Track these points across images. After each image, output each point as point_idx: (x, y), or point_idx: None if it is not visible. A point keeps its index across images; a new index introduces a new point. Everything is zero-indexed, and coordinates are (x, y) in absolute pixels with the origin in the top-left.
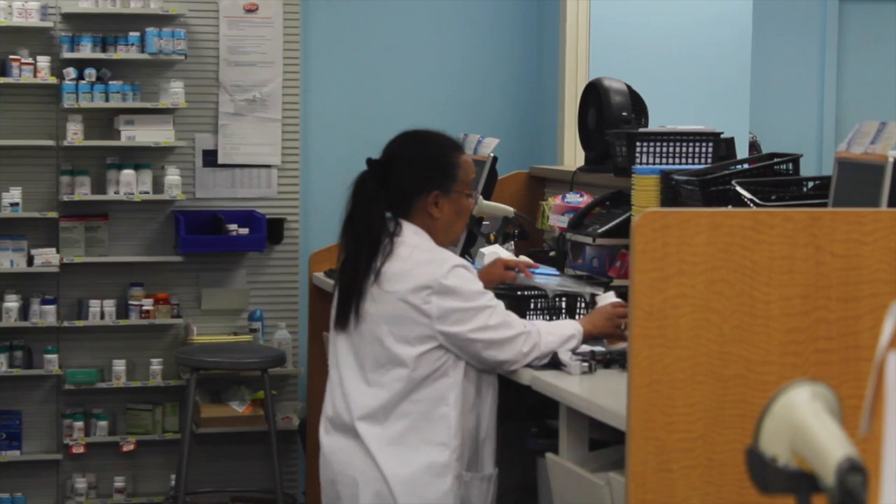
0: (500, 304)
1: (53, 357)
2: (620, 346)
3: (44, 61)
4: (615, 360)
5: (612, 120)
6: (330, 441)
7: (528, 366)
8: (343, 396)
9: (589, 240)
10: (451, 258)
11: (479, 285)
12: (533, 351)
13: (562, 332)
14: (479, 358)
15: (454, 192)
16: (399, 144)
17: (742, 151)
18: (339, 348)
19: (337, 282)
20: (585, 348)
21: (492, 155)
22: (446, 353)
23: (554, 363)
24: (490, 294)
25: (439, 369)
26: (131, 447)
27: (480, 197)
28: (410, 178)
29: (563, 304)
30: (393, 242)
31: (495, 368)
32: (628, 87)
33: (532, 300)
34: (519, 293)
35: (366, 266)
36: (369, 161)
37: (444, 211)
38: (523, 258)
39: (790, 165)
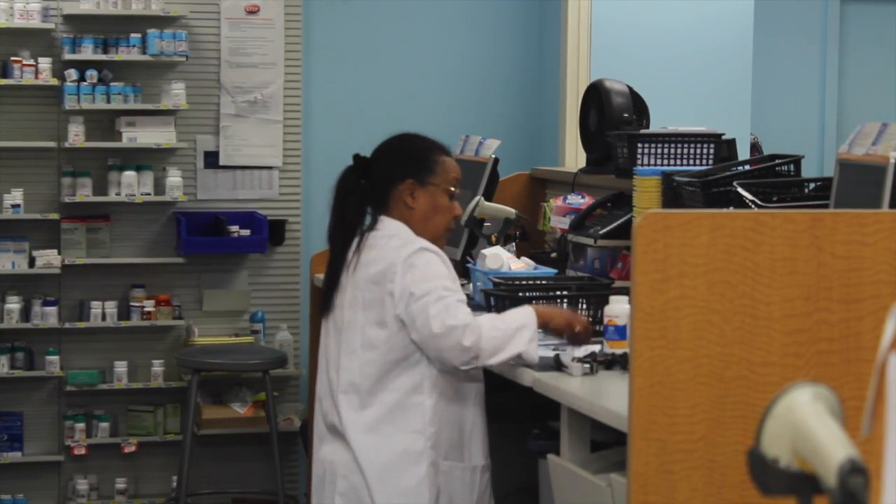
0: (453, 296)
1: (55, 358)
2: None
3: (45, 63)
4: (616, 362)
5: (613, 121)
6: (320, 433)
7: (492, 366)
8: (328, 386)
9: (590, 241)
10: (424, 244)
11: (444, 273)
12: (475, 346)
13: (509, 325)
14: (426, 346)
15: (430, 185)
16: (383, 142)
17: (743, 153)
18: (325, 341)
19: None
20: (586, 350)
21: (493, 156)
22: None
23: (556, 364)
24: (449, 284)
25: (412, 355)
26: (133, 448)
27: (482, 198)
28: (386, 168)
29: (565, 306)
30: (369, 236)
31: (444, 363)
32: (629, 88)
33: (534, 301)
34: (520, 294)
35: (341, 257)
36: (354, 156)
37: (419, 201)
38: (525, 259)
39: (791, 167)
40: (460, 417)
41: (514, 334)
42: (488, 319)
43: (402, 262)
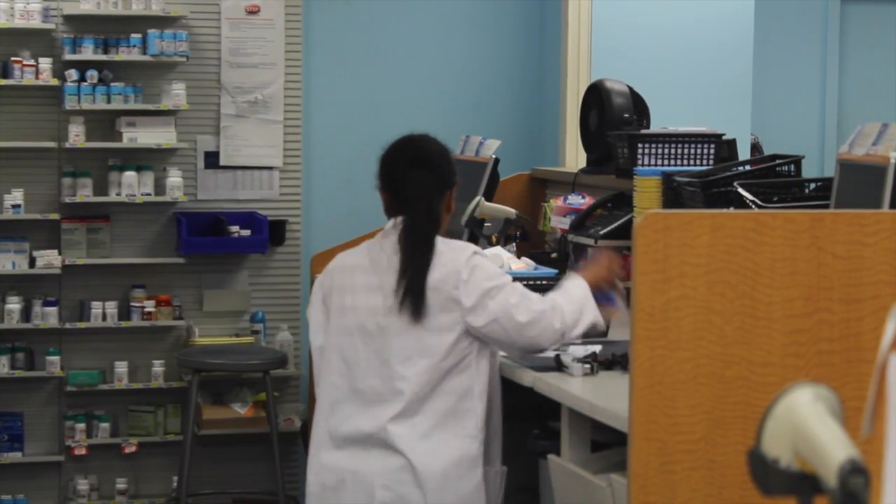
0: (520, 286)
1: (55, 359)
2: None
3: (45, 63)
4: (617, 362)
5: (613, 121)
6: (334, 440)
7: (573, 339)
8: (353, 392)
9: (591, 241)
10: (468, 245)
11: (499, 268)
12: (563, 325)
13: (576, 298)
14: (511, 339)
15: (456, 190)
16: (430, 144)
17: (744, 153)
18: (342, 343)
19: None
20: (587, 350)
21: (493, 157)
22: (471, 342)
23: (556, 365)
24: (510, 277)
25: (464, 360)
26: (133, 449)
27: (482, 199)
28: (445, 174)
29: None
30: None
31: (534, 348)
32: (630, 88)
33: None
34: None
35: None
36: (416, 157)
37: (452, 207)
38: (525, 259)
39: (792, 167)
40: (491, 421)
41: (584, 305)
42: (559, 297)
43: (464, 266)
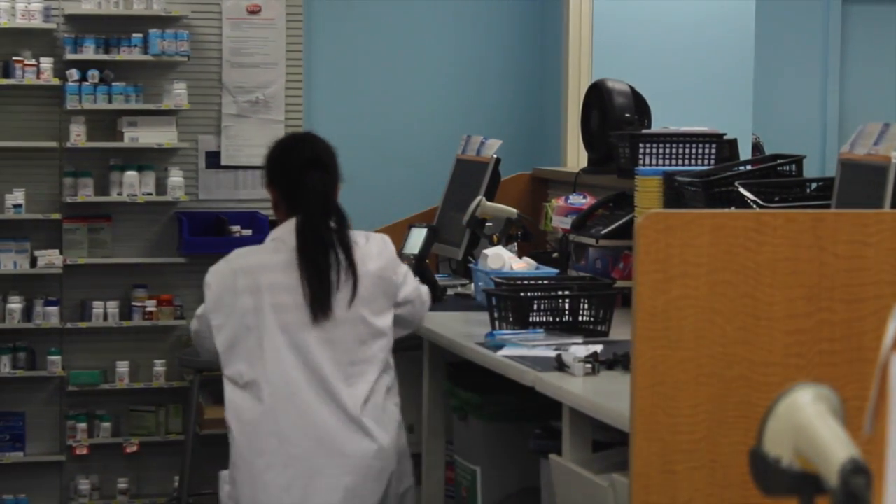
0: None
1: (57, 358)
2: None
3: (47, 63)
4: (618, 362)
5: (615, 121)
6: (296, 434)
7: None
8: (312, 381)
9: (592, 241)
10: (376, 234)
11: None
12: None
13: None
14: (418, 318)
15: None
16: (326, 145)
17: (745, 153)
18: (296, 340)
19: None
20: (589, 349)
21: (495, 156)
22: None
23: (558, 364)
24: None
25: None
26: (135, 448)
27: (483, 198)
28: (337, 173)
29: (567, 305)
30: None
31: (420, 325)
32: (631, 88)
33: (535, 301)
34: (522, 294)
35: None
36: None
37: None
38: (526, 259)
39: (793, 167)
40: None
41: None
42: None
43: (392, 253)
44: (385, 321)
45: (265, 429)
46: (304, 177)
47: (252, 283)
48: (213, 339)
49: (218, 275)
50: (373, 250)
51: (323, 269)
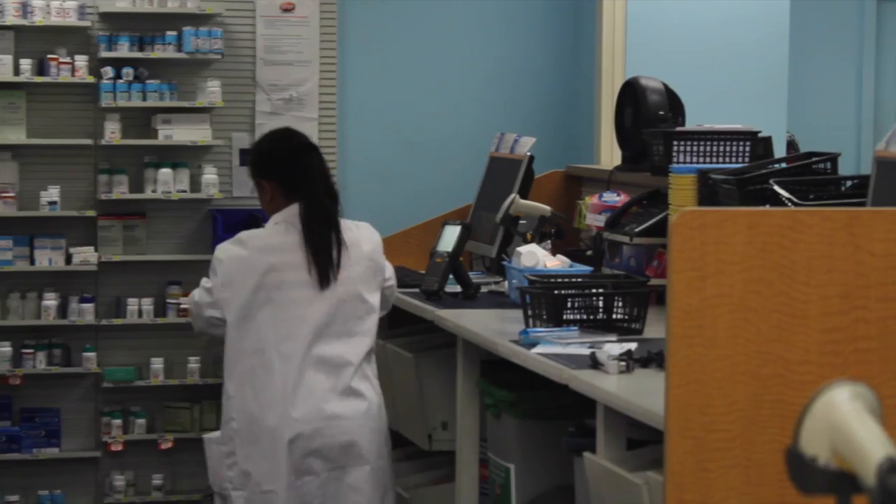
0: None
1: (92, 355)
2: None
3: (81, 60)
4: (652, 360)
5: (648, 119)
6: (301, 394)
7: None
8: (309, 352)
9: (626, 239)
10: (361, 222)
11: None
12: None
13: None
14: (393, 299)
15: None
16: (308, 140)
17: (780, 150)
18: (297, 313)
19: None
20: (623, 347)
21: (528, 154)
22: None
23: (592, 362)
24: None
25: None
26: (169, 445)
27: (517, 196)
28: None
29: (601, 303)
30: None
31: (389, 307)
32: (665, 85)
33: (569, 299)
34: (556, 292)
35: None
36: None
37: None
38: (560, 257)
39: (828, 164)
40: None
41: None
42: None
43: (378, 238)
44: (376, 299)
45: (271, 394)
46: (302, 161)
47: (263, 262)
48: (216, 310)
49: (229, 251)
50: (364, 234)
51: (328, 247)
